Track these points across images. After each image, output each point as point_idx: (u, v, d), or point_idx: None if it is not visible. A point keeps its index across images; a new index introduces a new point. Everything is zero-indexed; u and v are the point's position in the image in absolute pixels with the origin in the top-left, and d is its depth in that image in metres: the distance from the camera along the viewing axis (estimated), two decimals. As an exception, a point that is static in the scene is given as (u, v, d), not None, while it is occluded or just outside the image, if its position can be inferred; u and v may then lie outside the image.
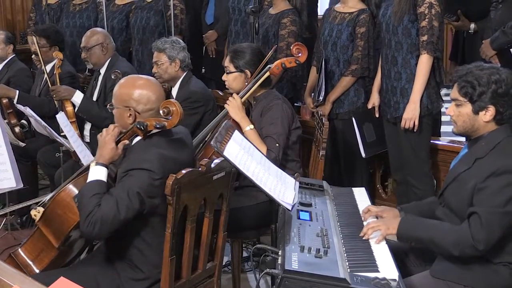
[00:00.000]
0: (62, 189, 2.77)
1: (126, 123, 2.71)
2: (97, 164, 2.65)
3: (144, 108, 2.70)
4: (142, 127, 2.61)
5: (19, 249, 2.85)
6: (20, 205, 3.55)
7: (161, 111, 2.64)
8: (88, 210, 2.52)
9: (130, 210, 2.53)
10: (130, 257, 2.69)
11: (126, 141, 2.70)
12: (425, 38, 3.66)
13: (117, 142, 2.68)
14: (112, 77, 4.20)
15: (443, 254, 2.57)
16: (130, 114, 2.70)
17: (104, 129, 2.72)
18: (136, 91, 2.71)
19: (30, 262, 2.82)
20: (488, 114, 2.55)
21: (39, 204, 2.93)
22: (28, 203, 3.28)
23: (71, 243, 2.90)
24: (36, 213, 2.82)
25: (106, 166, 2.65)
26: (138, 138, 2.71)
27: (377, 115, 4.07)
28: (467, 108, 2.58)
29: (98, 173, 2.63)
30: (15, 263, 2.83)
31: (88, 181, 2.63)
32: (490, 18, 4.45)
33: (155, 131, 2.65)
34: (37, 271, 2.80)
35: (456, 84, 2.60)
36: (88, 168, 2.83)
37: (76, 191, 2.70)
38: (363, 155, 4.12)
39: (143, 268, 2.68)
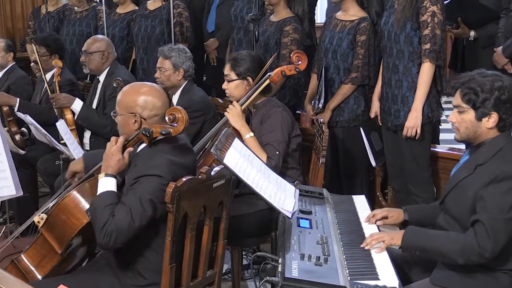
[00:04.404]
0: (66, 195, 2.77)
1: (131, 130, 2.72)
2: (106, 175, 2.65)
3: (149, 114, 2.71)
4: (147, 133, 2.62)
5: (22, 255, 2.84)
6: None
7: (166, 118, 2.65)
8: (102, 221, 2.51)
9: (144, 217, 2.54)
10: (133, 264, 2.69)
11: (131, 149, 2.71)
12: (427, 46, 3.65)
13: (122, 151, 2.69)
14: (114, 85, 4.19)
15: (448, 263, 2.56)
16: (135, 121, 2.71)
17: (108, 143, 2.71)
18: (141, 98, 2.72)
19: (33, 268, 2.81)
20: (491, 120, 2.55)
21: (42, 211, 2.92)
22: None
23: (73, 250, 2.90)
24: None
25: (115, 177, 2.66)
26: (143, 145, 2.72)
27: (380, 123, 4.06)
28: (470, 114, 2.58)
29: (107, 184, 2.63)
30: (17, 269, 2.82)
31: (98, 193, 2.62)
32: (490, 26, 4.45)
33: (160, 137, 2.66)
34: (40, 277, 2.79)
35: (459, 91, 2.60)
36: (91, 175, 2.86)
37: (80, 197, 2.72)
38: (373, 164, 4.11)
39: (146, 275, 2.67)
